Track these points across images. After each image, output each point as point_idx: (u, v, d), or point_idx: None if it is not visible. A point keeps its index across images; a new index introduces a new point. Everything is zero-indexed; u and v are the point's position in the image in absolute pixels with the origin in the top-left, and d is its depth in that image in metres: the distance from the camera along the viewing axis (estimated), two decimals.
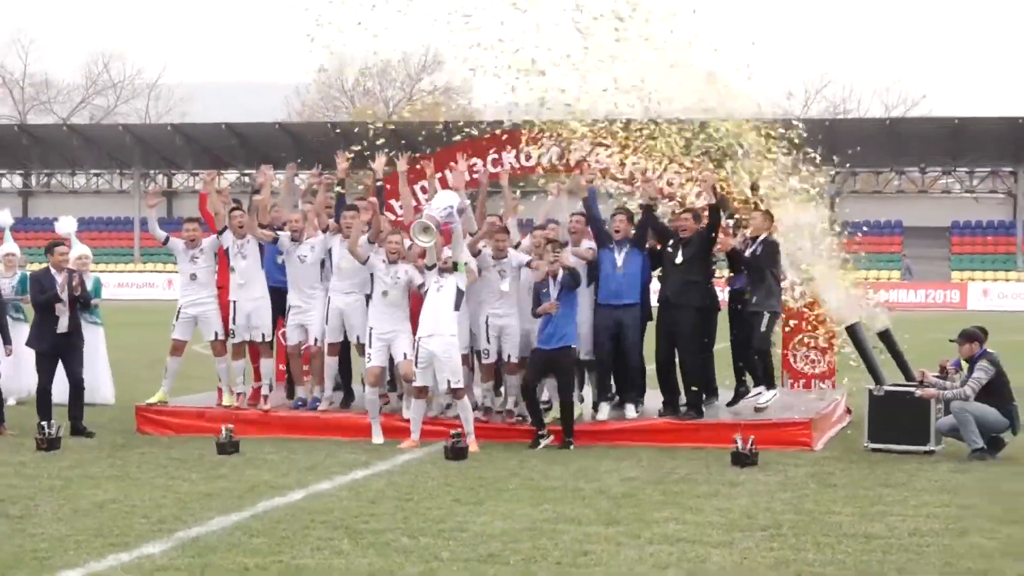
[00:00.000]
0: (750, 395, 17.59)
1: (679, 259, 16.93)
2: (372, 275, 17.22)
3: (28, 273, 21.35)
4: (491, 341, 17.06)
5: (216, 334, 18.10)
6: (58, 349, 17.42)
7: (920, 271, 71.23)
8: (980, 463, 15.38)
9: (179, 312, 18.33)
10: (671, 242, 17.12)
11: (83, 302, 17.81)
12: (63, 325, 17.35)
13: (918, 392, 16.24)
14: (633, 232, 17.29)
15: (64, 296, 17.22)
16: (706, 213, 17.26)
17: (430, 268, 16.50)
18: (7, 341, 17.91)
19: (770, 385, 17.36)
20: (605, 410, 17.37)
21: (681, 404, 17.25)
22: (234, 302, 17.90)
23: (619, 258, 17.10)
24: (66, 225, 22.13)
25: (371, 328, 17.02)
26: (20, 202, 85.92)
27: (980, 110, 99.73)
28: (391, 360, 17.13)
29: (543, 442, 16.39)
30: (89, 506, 12.69)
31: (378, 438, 16.86)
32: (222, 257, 18.21)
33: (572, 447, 16.30)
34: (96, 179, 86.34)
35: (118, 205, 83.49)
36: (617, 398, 17.52)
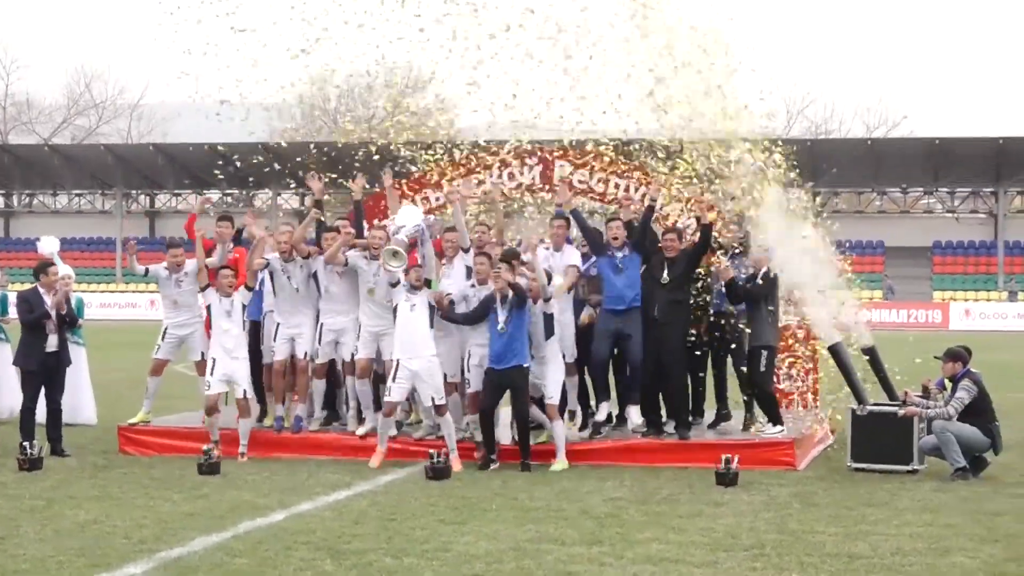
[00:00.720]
0: (758, 428, 17.59)
1: (665, 279, 16.95)
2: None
3: (8, 293, 21.33)
4: (471, 371, 16.97)
5: (202, 354, 18.02)
6: (46, 368, 17.43)
7: (902, 291, 71.39)
8: (963, 483, 15.40)
9: (165, 332, 18.28)
10: (656, 262, 17.13)
11: (70, 321, 17.85)
12: (52, 344, 17.41)
13: (900, 411, 16.26)
14: (634, 234, 17.32)
15: (53, 315, 17.32)
16: (695, 232, 17.36)
17: (394, 285, 16.54)
18: None
19: (777, 420, 17.42)
20: (604, 410, 17.32)
21: (665, 424, 17.27)
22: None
23: (619, 262, 17.06)
24: (49, 245, 22.04)
25: (360, 323, 17.19)
26: (1, 222, 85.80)
27: (961, 130, 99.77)
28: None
29: (492, 466, 16.31)
30: (71, 527, 12.64)
31: (364, 428, 17.25)
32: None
33: (531, 470, 16.21)
34: (78, 199, 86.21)
35: (100, 225, 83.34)
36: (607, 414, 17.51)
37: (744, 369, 17.71)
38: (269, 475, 15.84)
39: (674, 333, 17.03)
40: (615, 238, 17.18)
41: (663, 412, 17.47)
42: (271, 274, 17.65)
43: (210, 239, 18.25)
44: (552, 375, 16.58)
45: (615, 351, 17.28)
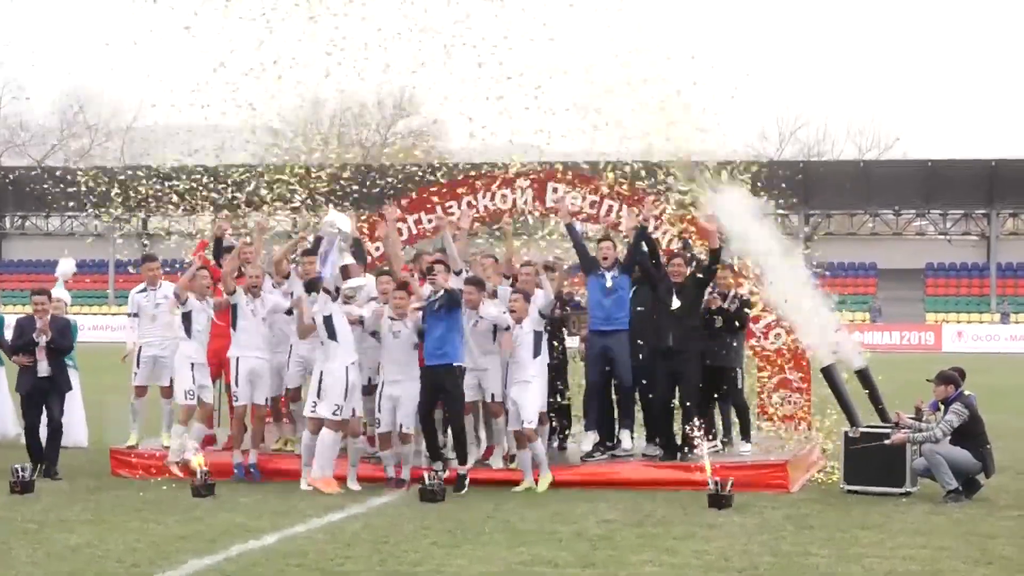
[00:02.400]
0: (734, 448, 17.64)
1: (676, 305, 16.86)
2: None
3: (3, 316, 21.30)
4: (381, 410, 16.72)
5: (171, 380, 17.99)
6: (40, 392, 17.71)
7: (894, 313, 71.44)
8: (955, 505, 15.39)
9: (139, 355, 18.38)
10: (664, 289, 17.01)
11: (56, 347, 17.89)
12: (43, 370, 17.71)
13: (888, 439, 16.24)
14: (624, 256, 17.35)
15: (41, 342, 17.61)
16: (701, 257, 17.41)
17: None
18: None
19: (749, 438, 17.72)
20: (589, 440, 17.26)
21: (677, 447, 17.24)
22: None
23: (608, 282, 17.04)
24: (64, 267, 22.06)
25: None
26: None
27: (953, 152, 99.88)
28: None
29: (440, 476, 16.04)
30: (63, 550, 12.61)
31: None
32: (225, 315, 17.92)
33: (465, 490, 16.14)
34: (71, 221, 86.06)
35: (93, 248, 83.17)
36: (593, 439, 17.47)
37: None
38: (262, 497, 15.81)
39: (691, 362, 16.90)
40: (604, 258, 17.18)
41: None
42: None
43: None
44: (532, 399, 16.40)
45: (608, 369, 17.24)
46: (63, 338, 18.03)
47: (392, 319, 16.46)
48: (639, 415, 17.70)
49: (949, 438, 15.86)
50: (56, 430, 17.83)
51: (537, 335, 16.53)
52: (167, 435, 18.23)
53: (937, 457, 15.72)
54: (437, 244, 19.64)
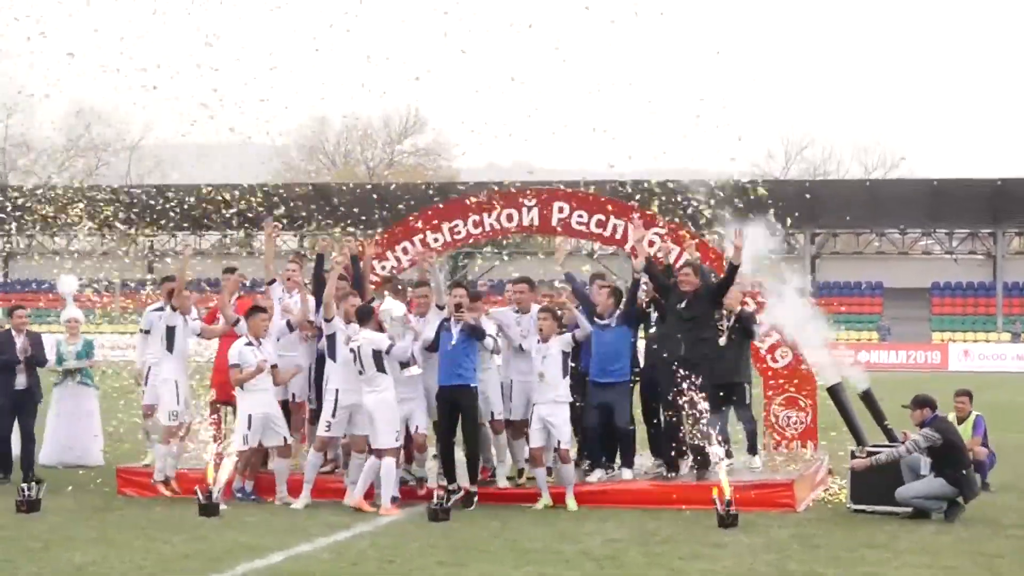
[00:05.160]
0: (744, 462, 17.64)
1: (687, 314, 16.81)
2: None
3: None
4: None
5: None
6: (16, 404, 18.87)
7: (901, 332, 71.39)
8: (962, 525, 15.36)
9: (148, 374, 18.36)
10: (674, 299, 16.97)
11: (37, 362, 19.13)
12: (21, 383, 18.85)
13: (849, 466, 16.30)
14: (621, 305, 17.20)
15: (21, 357, 18.76)
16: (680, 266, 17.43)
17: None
18: None
19: (756, 451, 17.69)
20: (597, 475, 17.24)
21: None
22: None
23: (605, 334, 16.97)
24: (66, 285, 22.13)
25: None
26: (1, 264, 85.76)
27: (959, 172, 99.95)
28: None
29: (453, 497, 16.17)
30: (68, 568, 12.61)
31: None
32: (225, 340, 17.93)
33: (474, 505, 16.27)
34: (76, 240, 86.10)
35: (99, 266, 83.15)
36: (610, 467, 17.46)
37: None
38: (268, 516, 15.80)
39: (702, 372, 16.73)
40: (596, 304, 17.17)
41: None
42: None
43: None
44: (565, 419, 16.51)
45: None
46: (39, 352, 19.17)
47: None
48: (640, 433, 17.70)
49: (932, 473, 15.83)
50: (31, 439, 19.00)
51: (565, 355, 16.53)
52: (152, 452, 18.32)
53: (913, 501, 15.78)
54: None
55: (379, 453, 16.19)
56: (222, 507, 15.83)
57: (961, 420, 18.02)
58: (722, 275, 17.08)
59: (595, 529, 14.88)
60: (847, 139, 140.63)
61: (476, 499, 16.41)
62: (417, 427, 16.75)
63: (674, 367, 16.48)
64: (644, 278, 17.29)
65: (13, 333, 18.99)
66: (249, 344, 16.81)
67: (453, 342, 16.44)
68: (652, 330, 17.64)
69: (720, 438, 16.16)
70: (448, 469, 16.72)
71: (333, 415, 16.58)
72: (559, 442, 16.40)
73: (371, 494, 16.39)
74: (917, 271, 76.92)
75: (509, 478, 17.20)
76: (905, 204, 71.90)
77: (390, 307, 16.60)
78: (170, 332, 17.49)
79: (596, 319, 17.07)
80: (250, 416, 16.78)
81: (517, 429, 17.20)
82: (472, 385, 16.50)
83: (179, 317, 17.51)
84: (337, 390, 16.60)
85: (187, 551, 13.51)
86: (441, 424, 16.77)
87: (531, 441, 16.63)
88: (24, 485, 16.33)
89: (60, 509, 16.34)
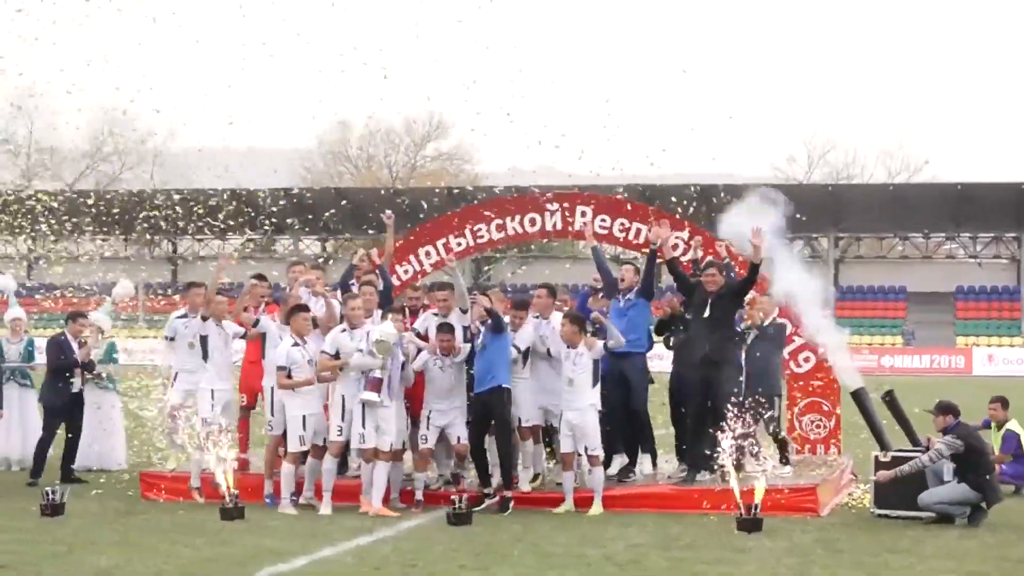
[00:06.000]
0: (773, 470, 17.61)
1: (708, 313, 16.82)
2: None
3: (33, 339, 21.44)
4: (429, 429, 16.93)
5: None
6: (68, 408, 19.47)
7: (924, 337, 71.18)
8: (988, 530, 15.31)
9: (176, 378, 18.34)
10: (699, 300, 16.99)
11: (89, 367, 19.70)
12: (77, 386, 19.53)
13: (872, 478, 16.29)
14: (639, 281, 17.47)
15: (82, 361, 19.49)
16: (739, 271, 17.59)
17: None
18: None
19: (788, 462, 17.73)
20: (616, 464, 17.27)
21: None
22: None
23: (623, 305, 17.30)
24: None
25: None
26: (25, 267, 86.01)
27: (983, 175, 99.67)
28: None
29: (487, 501, 16.33)
30: (91, 572, 12.65)
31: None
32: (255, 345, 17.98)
33: (509, 510, 16.30)
34: (101, 244, 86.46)
35: (122, 271, 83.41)
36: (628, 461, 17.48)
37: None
38: (291, 520, 15.83)
39: (727, 371, 16.84)
40: (622, 279, 17.46)
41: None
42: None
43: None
44: (595, 425, 16.48)
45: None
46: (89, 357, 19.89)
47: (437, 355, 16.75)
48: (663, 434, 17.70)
49: (955, 478, 15.80)
50: (74, 441, 19.63)
51: (596, 363, 16.53)
52: (175, 456, 18.39)
53: (936, 507, 15.75)
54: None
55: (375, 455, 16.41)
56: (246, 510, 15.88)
57: (1000, 426, 18.24)
58: (744, 274, 17.13)
59: (618, 534, 14.87)
60: (870, 143, 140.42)
61: (512, 503, 16.42)
62: (459, 438, 16.81)
63: (699, 368, 16.54)
64: (658, 246, 17.58)
65: (69, 337, 19.54)
66: (296, 344, 16.83)
67: (481, 346, 16.53)
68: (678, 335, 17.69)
69: (748, 443, 16.16)
70: (481, 472, 16.75)
71: (342, 419, 16.63)
72: (586, 448, 16.41)
73: (388, 498, 16.54)
74: (941, 275, 76.65)
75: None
76: (929, 208, 71.69)
77: (381, 333, 16.50)
78: (203, 341, 17.46)
79: (619, 295, 17.44)
80: (304, 417, 16.76)
81: (534, 434, 17.29)
82: (505, 386, 16.54)
83: (211, 325, 17.47)
84: (344, 396, 16.65)
85: (210, 555, 13.53)
86: (473, 427, 16.78)
87: (561, 447, 16.68)
88: (48, 489, 16.38)
89: (84, 513, 16.39)
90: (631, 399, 17.27)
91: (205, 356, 17.45)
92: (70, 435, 19.54)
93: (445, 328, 16.82)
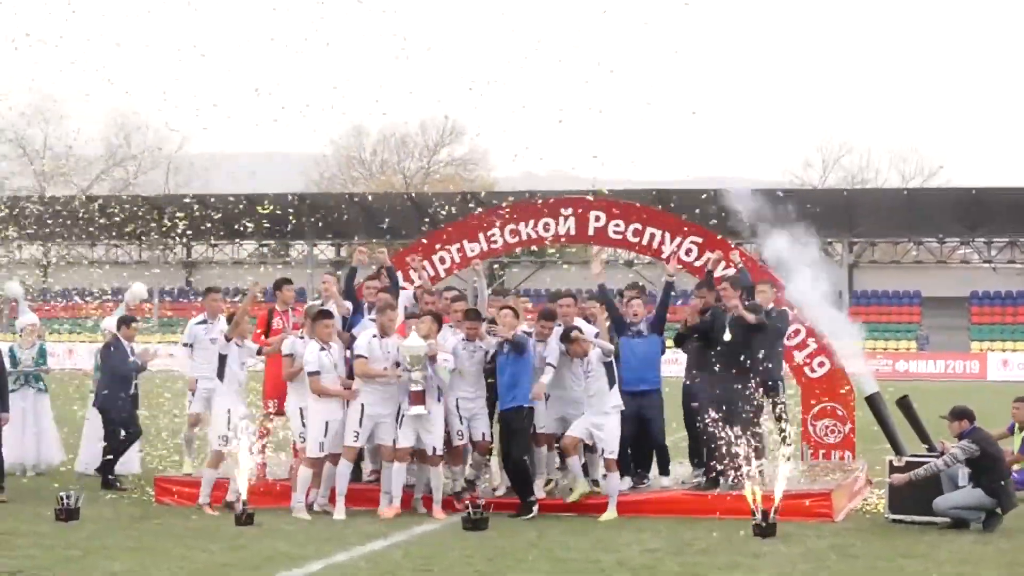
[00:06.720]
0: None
1: (727, 337, 16.80)
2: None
3: (44, 345, 21.49)
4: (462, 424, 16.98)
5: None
6: (126, 410, 19.68)
7: (939, 342, 71.00)
8: (1003, 536, 15.27)
9: (197, 383, 18.38)
10: (720, 323, 16.95)
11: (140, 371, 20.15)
12: (132, 389, 19.86)
13: (889, 481, 16.26)
14: (653, 313, 17.32)
15: (140, 365, 19.91)
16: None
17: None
18: (4, 408, 18.33)
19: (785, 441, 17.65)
20: (627, 482, 17.25)
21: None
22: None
23: (637, 344, 17.08)
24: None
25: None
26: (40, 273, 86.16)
27: (998, 180, 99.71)
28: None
29: (535, 509, 16.37)
30: None
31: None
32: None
33: (533, 513, 16.31)
34: (116, 250, 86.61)
35: (137, 276, 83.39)
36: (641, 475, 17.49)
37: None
38: (305, 525, 15.83)
39: (745, 387, 16.82)
40: (635, 314, 17.19)
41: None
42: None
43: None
44: (612, 428, 16.44)
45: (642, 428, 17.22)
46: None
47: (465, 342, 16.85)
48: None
49: (970, 483, 15.77)
50: (134, 436, 19.81)
51: (608, 365, 16.46)
52: (189, 462, 18.50)
53: (951, 512, 15.74)
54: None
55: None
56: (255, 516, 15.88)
57: (1023, 427, 18.26)
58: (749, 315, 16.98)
59: (632, 539, 14.85)
60: (885, 147, 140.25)
61: (536, 507, 16.42)
62: (484, 434, 16.95)
63: (720, 391, 16.69)
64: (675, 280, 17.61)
65: (124, 343, 19.83)
66: (323, 349, 16.83)
67: (504, 365, 16.57)
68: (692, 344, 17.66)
69: (756, 446, 16.15)
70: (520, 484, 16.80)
71: (360, 425, 16.63)
72: (603, 451, 16.39)
73: (408, 501, 16.57)
74: (956, 280, 76.45)
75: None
76: (943, 213, 71.52)
77: (412, 345, 16.52)
78: (221, 360, 17.35)
79: (629, 329, 17.13)
80: (327, 423, 16.72)
81: (548, 441, 17.30)
82: (524, 406, 16.54)
83: (232, 346, 17.38)
84: (362, 404, 16.62)
85: (225, 560, 13.55)
86: (501, 444, 17.01)
87: (570, 431, 16.62)
88: (63, 494, 16.39)
89: (98, 517, 16.41)
90: (651, 435, 17.21)
91: (221, 376, 17.36)
92: (133, 436, 19.69)
93: (472, 315, 16.97)
